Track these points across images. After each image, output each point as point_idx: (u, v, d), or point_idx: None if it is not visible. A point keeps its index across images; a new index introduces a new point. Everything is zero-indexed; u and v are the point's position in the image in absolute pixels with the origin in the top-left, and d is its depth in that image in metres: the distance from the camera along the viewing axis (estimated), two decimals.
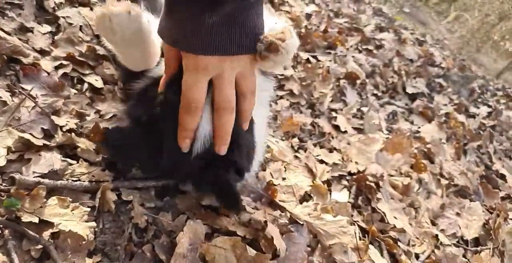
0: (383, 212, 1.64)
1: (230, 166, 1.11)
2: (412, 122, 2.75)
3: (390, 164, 1.95)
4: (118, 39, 1.10)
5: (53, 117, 1.27)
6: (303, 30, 2.89)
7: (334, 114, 2.22)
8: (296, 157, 1.74)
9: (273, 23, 1.09)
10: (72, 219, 1.05)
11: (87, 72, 1.50)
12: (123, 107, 1.32)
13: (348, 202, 1.61)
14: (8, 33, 1.40)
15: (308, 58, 2.57)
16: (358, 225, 1.53)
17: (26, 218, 1.02)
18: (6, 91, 1.29)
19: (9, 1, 1.51)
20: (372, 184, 1.73)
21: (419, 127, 2.66)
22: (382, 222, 1.63)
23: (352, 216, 1.56)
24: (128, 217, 1.19)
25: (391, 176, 1.91)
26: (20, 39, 1.43)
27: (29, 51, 1.41)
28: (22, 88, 1.30)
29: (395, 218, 1.66)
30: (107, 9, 1.02)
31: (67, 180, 1.17)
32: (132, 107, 1.24)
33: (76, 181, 1.17)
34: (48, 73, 1.37)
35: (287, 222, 1.35)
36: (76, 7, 1.73)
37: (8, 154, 1.14)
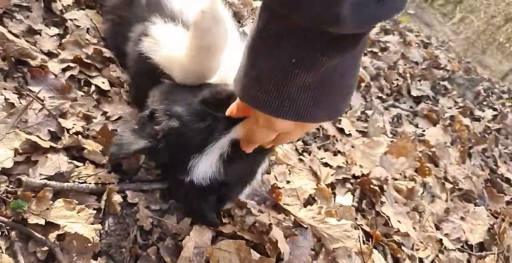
0: (387, 216, 1.64)
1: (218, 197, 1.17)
2: (416, 126, 2.75)
3: (394, 168, 1.95)
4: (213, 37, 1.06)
5: (60, 120, 1.27)
6: None
7: (339, 117, 2.22)
8: (300, 160, 1.75)
9: None
10: (78, 221, 1.06)
11: (94, 74, 1.51)
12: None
13: (352, 205, 1.61)
14: (16, 36, 1.42)
15: None
16: (362, 229, 1.53)
17: (32, 219, 1.03)
18: (14, 93, 1.30)
19: (18, 4, 1.53)
20: (376, 188, 1.73)
21: (424, 131, 2.66)
22: (386, 226, 1.63)
23: (356, 219, 1.56)
24: (134, 219, 1.19)
25: (396, 179, 1.91)
26: (28, 41, 1.45)
27: (36, 53, 1.42)
28: (30, 90, 1.32)
29: (399, 222, 1.66)
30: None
31: (74, 182, 1.18)
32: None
33: (82, 183, 1.18)
34: (56, 76, 1.38)
35: (291, 225, 1.36)
36: (83, 9, 1.74)
37: (15, 155, 1.15)
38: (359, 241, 1.41)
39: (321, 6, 0.54)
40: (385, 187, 1.76)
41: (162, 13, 1.33)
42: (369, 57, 3.21)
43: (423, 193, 1.98)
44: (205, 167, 1.05)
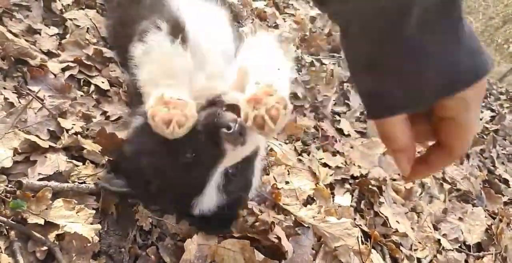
0: (386, 216, 1.65)
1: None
2: None
3: (392, 168, 1.95)
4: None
5: (60, 119, 1.27)
6: (307, 33, 2.89)
7: (337, 117, 2.23)
8: (299, 160, 1.75)
9: (275, 67, 1.12)
10: (77, 221, 1.06)
11: (93, 74, 1.51)
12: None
13: (351, 205, 1.61)
14: (16, 35, 1.42)
15: (312, 61, 2.57)
16: (361, 229, 1.53)
17: (32, 219, 1.03)
18: (13, 93, 1.30)
19: (17, 3, 1.53)
20: (375, 188, 1.73)
21: None
22: (384, 226, 1.63)
23: (354, 219, 1.57)
24: (133, 219, 1.19)
25: (394, 180, 1.91)
26: (27, 40, 1.45)
27: (36, 53, 1.42)
28: (29, 89, 1.32)
29: (398, 222, 1.66)
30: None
31: (73, 182, 1.18)
32: None
33: (82, 183, 1.18)
34: (55, 75, 1.38)
35: (292, 224, 1.36)
36: (83, 9, 1.74)
37: (14, 155, 1.15)
38: (358, 241, 1.42)
39: None
40: (383, 187, 1.77)
41: (163, 14, 1.33)
42: None
43: (421, 193, 1.98)
44: (208, 202, 1.09)
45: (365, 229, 1.56)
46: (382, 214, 1.65)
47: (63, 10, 1.64)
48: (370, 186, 1.74)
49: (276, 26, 2.79)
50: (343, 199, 1.64)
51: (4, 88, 1.30)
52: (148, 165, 1.09)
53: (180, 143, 1.01)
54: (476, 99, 0.63)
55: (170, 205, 1.19)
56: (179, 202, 1.12)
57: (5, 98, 1.24)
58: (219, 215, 1.13)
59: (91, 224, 1.08)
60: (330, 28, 3.23)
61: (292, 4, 3.32)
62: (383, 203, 1.70)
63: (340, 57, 2.87)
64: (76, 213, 1.09)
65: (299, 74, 2.33)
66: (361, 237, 1.50)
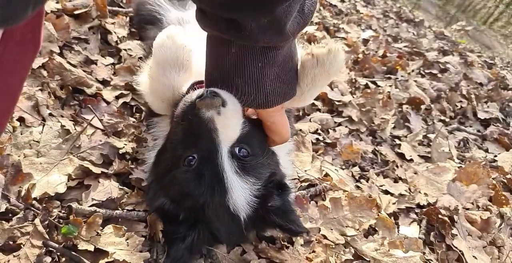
0: (460, 251, 1.45)
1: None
2: (486, 150, 2.50)
3: (465, 196, 1.75)
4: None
5: (112, 138, 1.29)
6: (360, 55, 2.81)
7: (397, 141, 2.07)
8: (357, 186, 1.62)
9: None
10: (126, 249, 1.02)
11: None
12: None
13: (419, 237, 1.44)
14: (74, 66, 1.48)
15: (366, 84, 2.47)
16: None
17: (82, 246, 1.01)
18: (70, 120, 1.34)
19: (77, 36, 1.61)
20: (446, 218, 1.55)
21: (496, 156, 2.40)
22: (459, 262, 1.44)
23: (424, 254, 1.39)
24: None
25: (467, 209, 1.70)
26: (84, 71, 1.51)
27: (92, 82, 1.47)
28: (84, 118, 1.35)
29: (475, 257, 1.46)
30: None
31: (123, 209, 1.16)
32: None
33: (131, 210, 1.16)
34: (108, 103, 1.41)
35: (352, 258, 1.23)
36: (137, 39, 1.80)
37: (68, 181, 1.16)
38: None
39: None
40: (455, 217, 1.57)
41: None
42: (428, 79, 3.03)
43: (501, 224, 1.74)
44: (239, 193, 1.00)
45: None
46: (456, 247, 1.46)
47: (119, 42, 1.71)
48: (440, 216, 1.56)
49: None
50: (410, 230, 1.48)
51: (62, 116, 1.34)
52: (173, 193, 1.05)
53: (178, 151, 1.02)
54: None
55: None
56: (218, 214, 1.02)
57: (62, 126, 1.27)
58: (269, 210, 1.05)
59: (140, 251, 1.04)
60: (384, 50, 3.12)
61: (342, 28, 3.27)
62: (456, 235, 1.51)
63: (397, 78, 2.74)
64: (126, 240, 1.06)
65: (353, 97, 2.23)
66: None
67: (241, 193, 0.99)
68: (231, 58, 0.93)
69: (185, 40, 1.14)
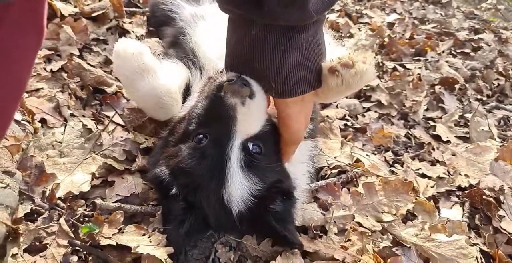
0: (510, 233, 1.34)
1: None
2: None
3: (510, 175, 1.63)
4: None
5: (133, 134, 1.27)
6: (386, 39, 2.70)
7: (432, 123, 1.97)
8: (392, 171, 1.54)
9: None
10: (149, 244, 1.00)
11: None
12: None
13: (463, 220, 1.35)
14: (93, 66, 1.48)
15: (394, 67, 2.36)
16: (480, 249, 1.26)
17: (104, 242, 0.99)
18: (92, 120, 1.34)
19: (95, 38, 1.62)
20: (491, 199, 1.44)
21: None
22: (510, 245, 1.33)
23: (469, 238, 1.30)
24: (211, 242, 1.11)
25: None
26: (104, 71, 1.51)
27: (112, 81, 1.47)
28: (105, 115, 1.34)
29: None
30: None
31: (148, 205, 1.15)
32: None
33: (156, 205, 1.14)
34: (128, 100, 1.40)
35: (391, 244, 1.16)
36: (156, 37, 1.80)
37: (92, 179, 1.15)
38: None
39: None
40: (501, 198, 1.46)
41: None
42: (460, 58, 2.88)
43: None
44: (237, 188, 0.96)
45: (485, 248, 1.28)
46: (505, 230, 1.35)
47: (138, 40, 1.70)
48: (484, 197, 1.45)
49: (351, 36, 2.64)
50: (452, 213, 1.39)
51: (83, 116, 1.34)
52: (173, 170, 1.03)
53: (193, 125, 1.01)
54: None
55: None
56: (210, 201, 0.99)
57: (84, 125, 1.27)
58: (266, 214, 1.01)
59: (165, 246, 1.01)
60: (411, 32, 2.99)
61: (366, 14, 3.16)
62: (504, 216, 1.40)
63: (427, 60, 2.61)
64: (148, 237, 1.03)
65: (381, 80, 2.13)
66: (481, 259, 1.22)
67: (239, 187, 0.96)
68: (251, 41, 0.88)
69: (130, 49, 1.17)
